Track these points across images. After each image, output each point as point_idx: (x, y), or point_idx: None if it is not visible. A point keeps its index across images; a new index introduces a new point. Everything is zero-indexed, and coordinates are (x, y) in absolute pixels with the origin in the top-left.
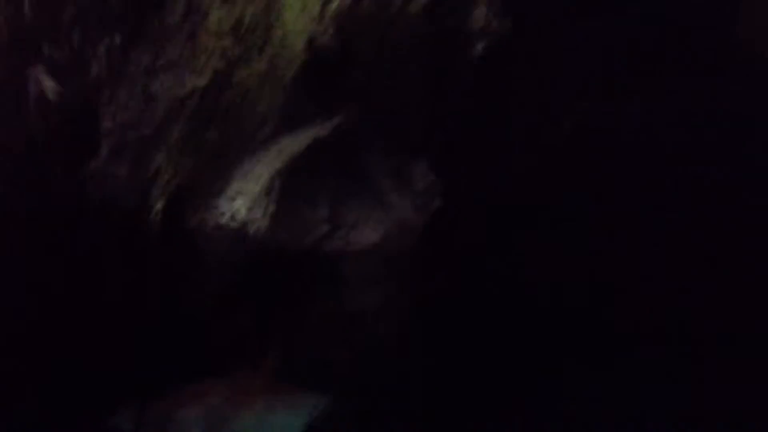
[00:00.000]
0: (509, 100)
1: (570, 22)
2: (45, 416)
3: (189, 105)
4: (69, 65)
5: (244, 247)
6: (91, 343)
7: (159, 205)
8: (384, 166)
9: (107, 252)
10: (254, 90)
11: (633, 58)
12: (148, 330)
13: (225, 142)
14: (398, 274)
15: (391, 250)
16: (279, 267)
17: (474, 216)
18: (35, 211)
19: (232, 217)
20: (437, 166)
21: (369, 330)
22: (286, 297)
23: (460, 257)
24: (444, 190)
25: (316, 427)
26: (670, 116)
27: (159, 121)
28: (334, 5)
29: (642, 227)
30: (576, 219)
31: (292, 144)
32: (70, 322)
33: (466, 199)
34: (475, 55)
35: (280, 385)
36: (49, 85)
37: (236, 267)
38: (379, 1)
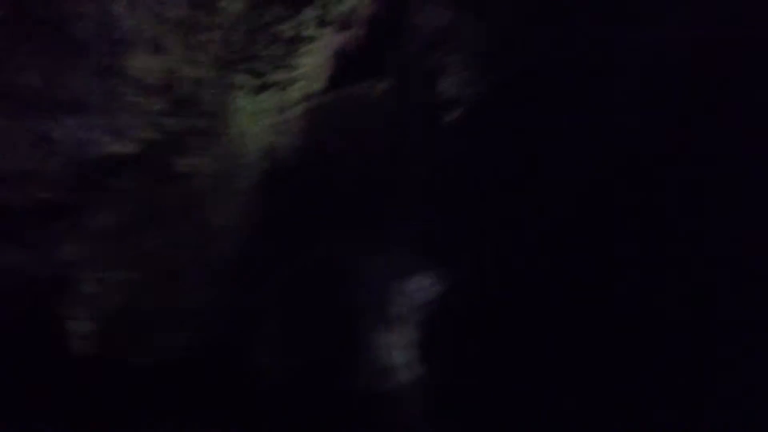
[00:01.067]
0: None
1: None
2: None
3: (114, 183)
4: None
5: None
6: None
7: (85, 328)
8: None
9: None
10: (207, 194)
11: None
12: None
13: (173, 259)
14: None
15: None
16: None
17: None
18: None
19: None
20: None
21: None
22: None
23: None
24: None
25: None
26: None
27: (64, 184)
28: (291, 112)
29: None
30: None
31: (262, 275)
32: None
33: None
34: (448, 125)
35: None
36: None
37: None
38: (339, 93)
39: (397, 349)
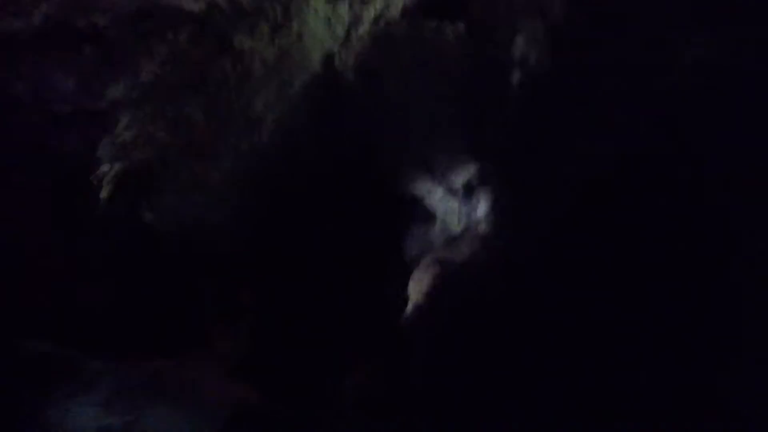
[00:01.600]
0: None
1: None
2: None
3: (171, 37)
4: None
5: None
6: None
7: (107, 192)
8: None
9: None
10: (257, 79)
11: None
12: None
13: (207, 126)
14: None
15: None
16: None
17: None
18: None
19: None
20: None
21: None
22: None
23: None
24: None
25: None
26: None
27: (124, 19)
28: (361, 30)
29: None
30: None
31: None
32: None
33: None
34: (513, 86)
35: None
36: None
37: None
38: (412, 24)
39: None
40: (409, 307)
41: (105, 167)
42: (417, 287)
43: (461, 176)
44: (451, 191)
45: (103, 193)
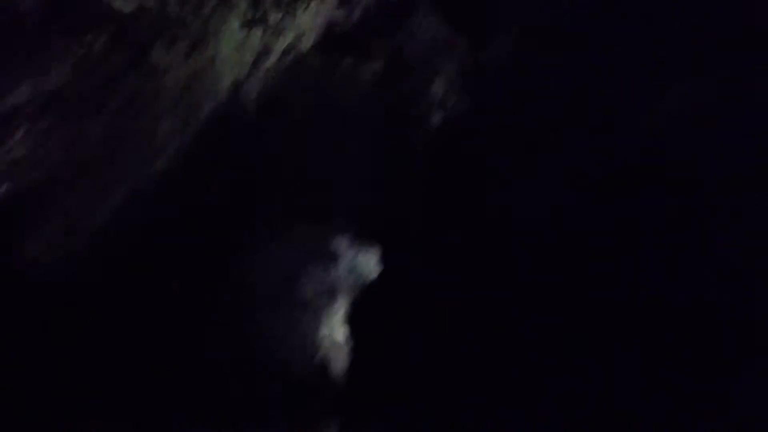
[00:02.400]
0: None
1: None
2: None
3: (89, 39)
4: None
5: None
6: None
7: None
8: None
9: None
10: (167, 99)
11: None
12: None
13: (102, 157)
14: None
15: None
16: None
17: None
18: None
19: None
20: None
21: None
22: None
23: None
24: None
25: None
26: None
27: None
28: (270, 60)
29: None
30: None
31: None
32: None
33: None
34: (432, 127)
35: None
36: None
37: None
38: (325, 62)
39: (303, 332)
40: None
41: None
42: None
43: (358, 224)
44: (351, 237)
45: None
